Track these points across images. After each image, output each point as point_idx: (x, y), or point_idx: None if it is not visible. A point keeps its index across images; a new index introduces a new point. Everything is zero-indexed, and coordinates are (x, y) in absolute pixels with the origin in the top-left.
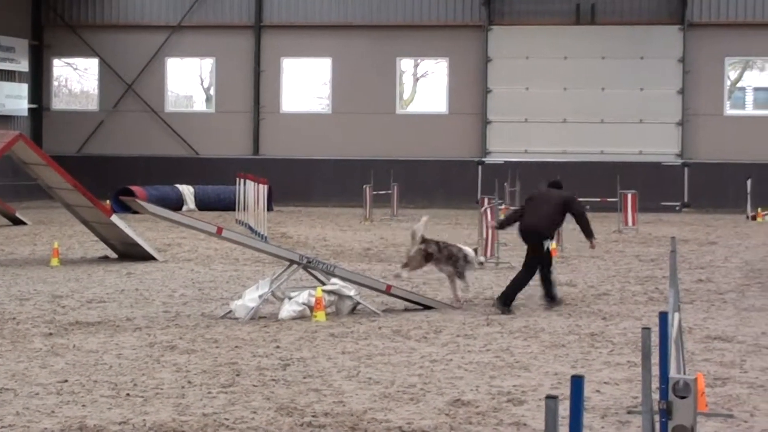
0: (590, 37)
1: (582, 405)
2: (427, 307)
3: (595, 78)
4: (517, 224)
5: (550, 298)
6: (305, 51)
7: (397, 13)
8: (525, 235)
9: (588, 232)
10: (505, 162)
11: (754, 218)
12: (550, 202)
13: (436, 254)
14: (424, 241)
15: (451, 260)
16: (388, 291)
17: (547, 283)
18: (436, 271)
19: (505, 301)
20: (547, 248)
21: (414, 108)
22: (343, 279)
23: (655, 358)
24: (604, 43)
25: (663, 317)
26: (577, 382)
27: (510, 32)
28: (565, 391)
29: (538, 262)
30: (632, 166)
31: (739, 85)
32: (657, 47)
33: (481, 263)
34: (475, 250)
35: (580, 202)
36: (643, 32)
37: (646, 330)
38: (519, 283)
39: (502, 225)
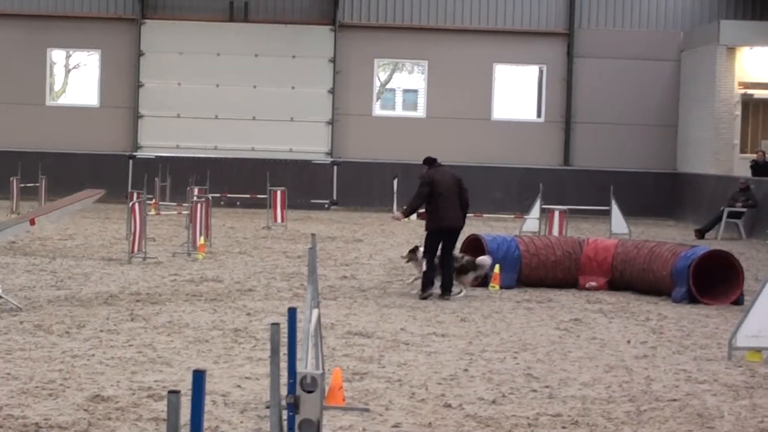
0: (243, 35)
1: (203, 399)
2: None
3: (248, 75)
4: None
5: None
6: None
7: (49, 3)
8: (451, 231)
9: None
10: (157, 157)
11: None
12: (453, 191)
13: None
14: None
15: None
16: (32, 223)
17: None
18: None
19: (447, 290)
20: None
21: (65, 100)
22: None
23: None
24: (257, 41)
25: (291, 313)
26: (198, 377)
27: (163, 27)
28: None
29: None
30: (283, 163)
31: (388, 86)
32: (309, 47)
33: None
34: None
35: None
36: (296, 31)
37: (275, 326)
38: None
39: (407, 213)
